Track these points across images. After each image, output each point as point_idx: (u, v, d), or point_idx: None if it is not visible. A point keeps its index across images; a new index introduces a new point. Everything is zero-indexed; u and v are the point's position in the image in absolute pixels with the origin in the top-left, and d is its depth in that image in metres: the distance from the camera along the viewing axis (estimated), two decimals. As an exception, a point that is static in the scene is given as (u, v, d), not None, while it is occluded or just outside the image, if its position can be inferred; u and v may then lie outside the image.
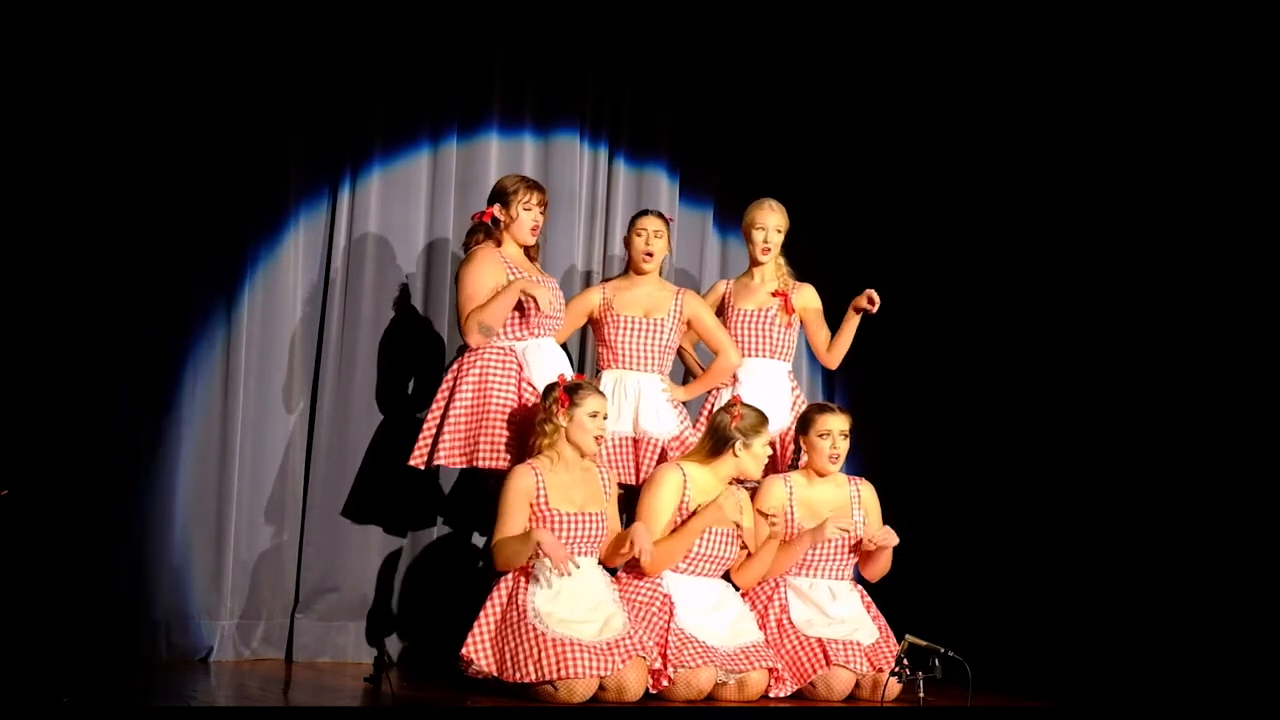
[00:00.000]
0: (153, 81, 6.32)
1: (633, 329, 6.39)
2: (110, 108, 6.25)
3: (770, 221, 6.59)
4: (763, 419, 6.09)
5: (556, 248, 7.06)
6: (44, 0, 6.16)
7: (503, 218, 6.21)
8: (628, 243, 6.49)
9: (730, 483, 6.11)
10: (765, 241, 6.59)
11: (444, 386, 6.15)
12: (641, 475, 6.29)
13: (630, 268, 6.50)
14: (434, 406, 6.14)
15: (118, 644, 6.19)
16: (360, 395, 6.62)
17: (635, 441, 6.36)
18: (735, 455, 6.04)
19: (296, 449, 6.55)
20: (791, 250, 6.72)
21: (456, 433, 6.04)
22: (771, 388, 6.53)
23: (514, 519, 5.74)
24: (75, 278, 6.20)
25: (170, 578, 6.28)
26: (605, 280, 6.75)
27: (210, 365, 6.38)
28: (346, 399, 6.61)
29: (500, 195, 6.25)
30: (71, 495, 6.13)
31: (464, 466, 6.11)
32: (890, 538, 6.13)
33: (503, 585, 5.75)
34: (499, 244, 6.21)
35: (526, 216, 6.22)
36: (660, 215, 6.50)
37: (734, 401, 6.16)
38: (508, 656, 5.61)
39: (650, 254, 6.39)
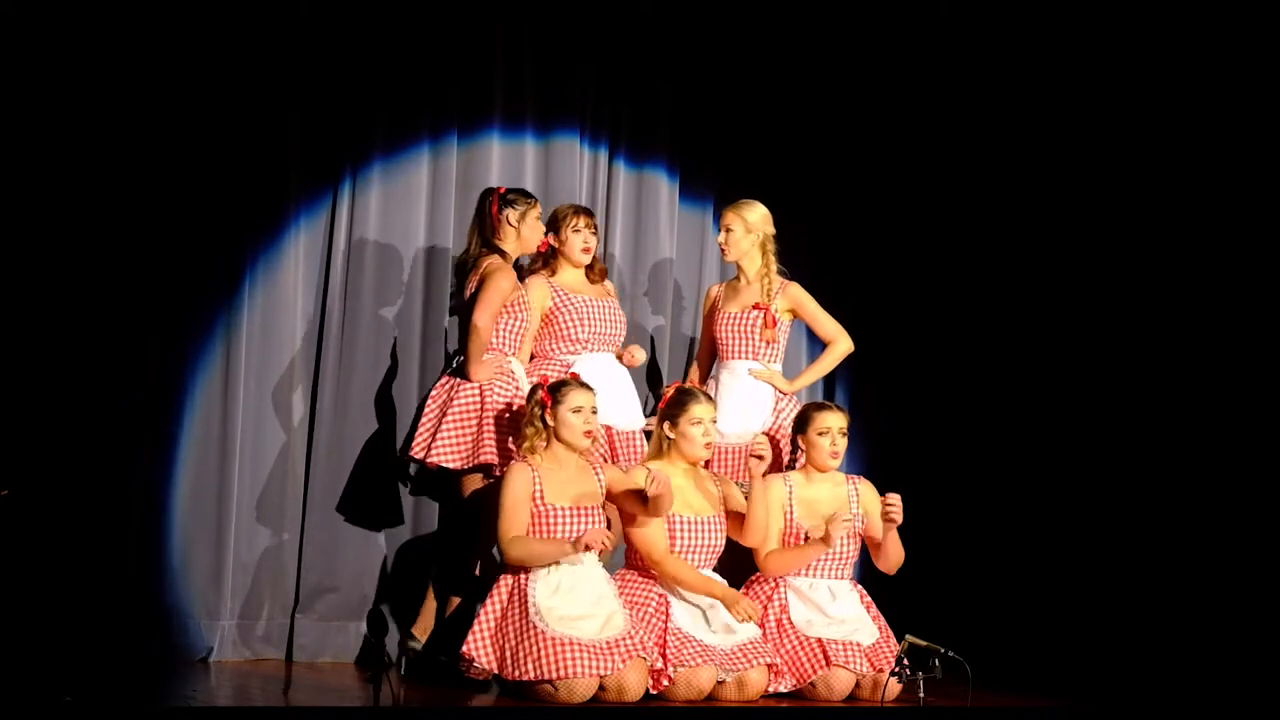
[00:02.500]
0: (154, 85, 6.33)
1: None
2: (111, 108, 6.27)
3: (724, 220, 6.65)
4: (685, 395, 6.10)
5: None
6: (47, 7, 6.18)
7: (556, 244, 6.46)
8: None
9: (697, 465, 6.13)
10: (721, 241, 6.65)
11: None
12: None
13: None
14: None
15: (118, 644, 6.20)
16: (360, 395, 6.63)
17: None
18: (668, 436, 6.05)
19: (296, 449, 6.55)
20: (791, 252, 6.71)
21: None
22: (753, 388, 6.56)
23: (518, 515, 5.76)
24: (77, 280, 6.22)
25: (170, 578, 6.29)
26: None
27: (210, 365, 6.39)
28: (346, 399, 6.61)
29: (552, 223, 6.51)
30: (72, 496, 6.15)
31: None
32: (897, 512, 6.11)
33: (503, 583, 5.76)
34: (554, 272, 6.47)
35: (576, 239, 6.47)
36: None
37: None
38: (508, 654, 5.61)
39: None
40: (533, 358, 6.46)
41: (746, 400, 6.51)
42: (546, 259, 6.52)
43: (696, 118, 7.39)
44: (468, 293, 6.28)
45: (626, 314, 6.88)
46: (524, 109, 7.03)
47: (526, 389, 6.19)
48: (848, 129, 7.58)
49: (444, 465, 6.15)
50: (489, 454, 6.12)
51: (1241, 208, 6.80)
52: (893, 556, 6.22)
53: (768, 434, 6.49)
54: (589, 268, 6.55)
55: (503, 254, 6.31)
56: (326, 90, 6.62)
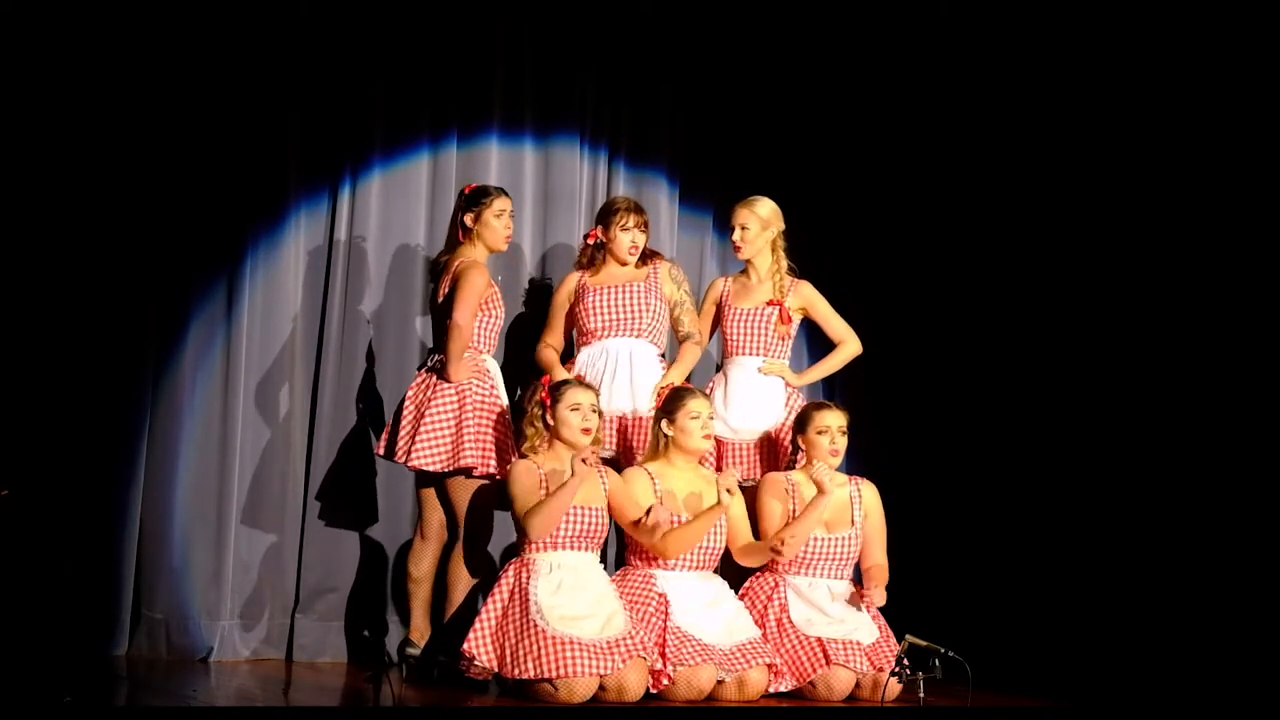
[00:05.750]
0: (156, 85, 6.37)
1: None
2: (111, 109, 6.30)
3: (738, 218, 6.61)
4: (682, 391, 6.11)
5: (557, 252, 7.08)
6: (53, 8, 6.24)
7: (604, 239, 6.48)
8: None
9: (701, 462, 6.17)
10: (737, 239, 6.62)
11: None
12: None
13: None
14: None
15: (118, 644, 6.22)
16: (360, 396, 6.63)
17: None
18: (666, 434, 6.05)
19: (296, 449, 6.57)
20: (791, 253, 6.72)
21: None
22: (765, 385, 6.56)
23: (531, 500, 5.78)
24: (77, 280, 6.25)
25: (170, 578, 6.31)
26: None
27: (210, 365, 6.42)
28: (346, 399, 6.63)
29: (603, 216, 6.54)
30: (71, 495, 6.16)
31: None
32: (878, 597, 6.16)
33: (504, 581, 5.76)
34: (596, 270, 6.48)
35: (624, 238, 6.47)
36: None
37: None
38: (508, 653, 5.61)
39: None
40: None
41: (758, 396, 6.50)
42: (594, 252, 6.51)
43: (697, 121, 7.39)
44: (442, 292, 6.20)
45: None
46: (523, 112, 7.04)
47: (502, 388, 6.19)
48: (846, 132, 7.58)
49: (425, 469, 6.08)
50: (469, 457, 6.04)
51: (1233, 209, 6.80)
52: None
53: (778, 431, 6.50)
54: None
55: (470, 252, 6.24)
56: (326, 90, 6.64)
